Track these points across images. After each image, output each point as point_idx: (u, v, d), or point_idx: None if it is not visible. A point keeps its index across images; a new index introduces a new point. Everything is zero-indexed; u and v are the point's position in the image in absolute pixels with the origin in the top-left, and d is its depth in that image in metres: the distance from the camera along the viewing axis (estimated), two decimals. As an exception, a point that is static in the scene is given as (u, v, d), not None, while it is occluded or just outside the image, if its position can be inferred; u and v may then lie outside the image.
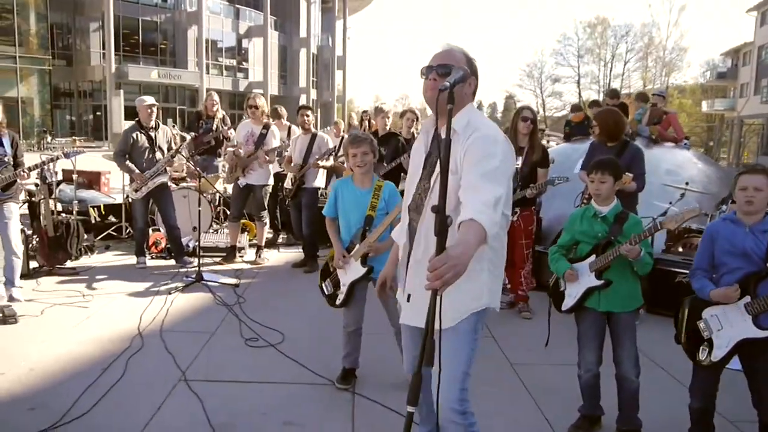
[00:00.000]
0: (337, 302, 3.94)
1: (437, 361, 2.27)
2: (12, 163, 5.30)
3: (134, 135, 6.67)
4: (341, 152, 8.33)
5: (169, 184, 6.99)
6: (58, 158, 6.00)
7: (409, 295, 2.48)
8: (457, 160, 2.26)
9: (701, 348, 3.02)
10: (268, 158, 7.01)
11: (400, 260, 2.62)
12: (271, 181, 7.38)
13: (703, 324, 3.03)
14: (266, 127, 7.13)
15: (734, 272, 2.94)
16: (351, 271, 3.82)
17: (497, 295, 2.46)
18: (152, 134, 6.74)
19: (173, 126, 8.13)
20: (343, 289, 3.88)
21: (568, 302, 3.41)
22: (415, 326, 2.51)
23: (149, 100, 6.82)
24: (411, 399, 1.82)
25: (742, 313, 2.86)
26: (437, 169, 2.28)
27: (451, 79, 2.05)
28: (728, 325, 2.93)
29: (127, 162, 6.62)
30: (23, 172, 5.24)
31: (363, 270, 3.75)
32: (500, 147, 2.26)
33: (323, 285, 4.06)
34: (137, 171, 6.60)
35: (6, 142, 5.30)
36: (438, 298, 1.80)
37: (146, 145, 6.70)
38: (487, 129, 2.30)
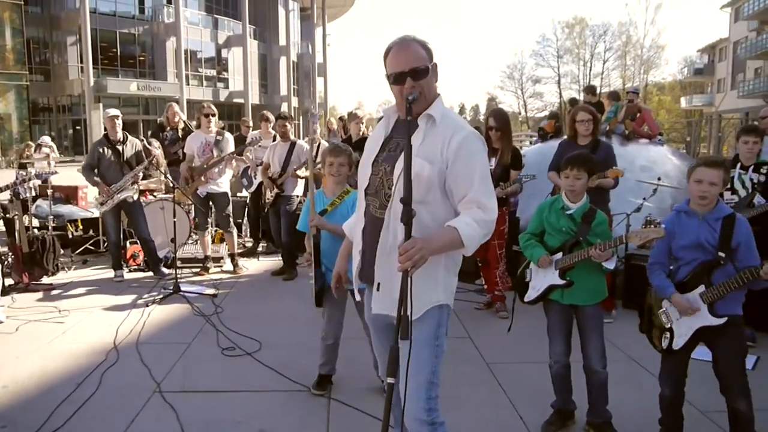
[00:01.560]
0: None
1: (403, 367, 2.28)
2: None
3: (101, 149, 6.64)
4: (319, 159, 8.34)
5: (135, 197, 6.91)
6: (30, 179, 5.96)
7: (378, 284, 2.39)
8: (442, 151, 2.26)
9: (663, 336, 3.09)
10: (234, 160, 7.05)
11: (354, 250, 2.55)
12: (227, 189, 7.35)
13: (663, 313, 3.10)
14: (220, 134, 7.13)
15: (690, 263, 3.00)
16: None
17: (452, 294, 2.45)
18: (119, 148, 6.71)
19: (142, 140, 8.11)
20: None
21: (531, 294, 3.47)
22: (386, 314, 2.39)
23: (113, 111, 6.80)
24: (390, 371, 1.92)
25: (698, 302, 2.93)
26: (402, 157, 2.23)
27: (411, 96, 2.21)
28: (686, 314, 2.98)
29: (94, 176, 6.60)
30: None
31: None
32: (484, 146, 2.37)
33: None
34: (103, 185, 6.56)
35: None
36: (409, 279, 1.97)
37: (113, 158, 6.66)
38: (467, 125, 2.36)
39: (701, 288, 2.92)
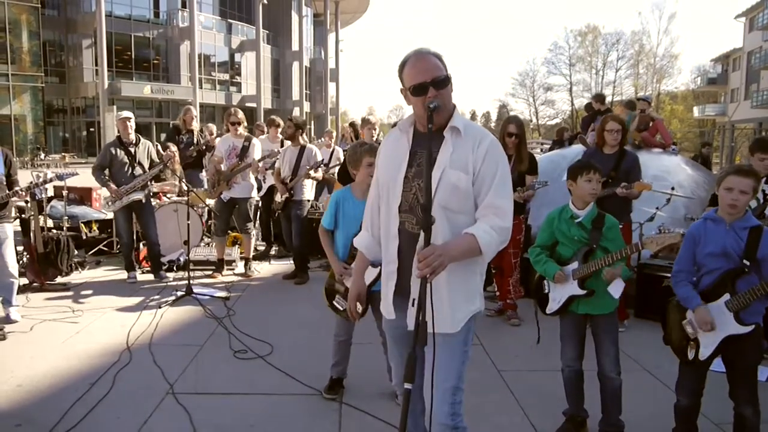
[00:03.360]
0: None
1: (428, 372, 2.27)
2: (5, 182, 5.31)
3: (113, 150, 6.70)
4: (332, 164, 8.39)
5: (144, 200, 6.95)
6: (51, 180, 6.00)
7: (414, 300, 2.30)
8: (471, 161, 2.28)
9: (688, 347, 3.06)
10: (260, 166, 7.07)
11: (386, 269, 2.49)
12: (255, 194, 7.42)
13: (688, 324, 3.07)
14: (248, 140, 7.18)
15: (713, 272, 2.98)
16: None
17: (483, 299, 2.49)
18: (132, 150, 6.77)
19: (156, 144, 8.36)
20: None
21: (553, 306, 3.45)
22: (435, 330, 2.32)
23: (125, 113, 6.86)
24: (408, 376, 1.91)
25: (724, 311, 2.91)
26: (435, 169, 2.27)
27: (433, 104, 2.21)
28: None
29: (104, 177, 6.66)
30: (21, 191, 5.29)
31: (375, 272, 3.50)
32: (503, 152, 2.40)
33: (335, 303, 3.84)
34: (112, 186, 6.62)
35: None
36: (428, 285, 1.98)
37: (125, 160, 6.72)
38: (489, 132, 2.40)
39: (726, 296, 2.90)
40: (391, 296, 2.46)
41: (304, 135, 7.11)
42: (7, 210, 5.32)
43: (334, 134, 11.16)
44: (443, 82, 2.29)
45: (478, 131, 2.36)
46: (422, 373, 2.32)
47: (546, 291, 3.49)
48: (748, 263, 2.86)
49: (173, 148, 8.20)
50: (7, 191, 5.24)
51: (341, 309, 3.82)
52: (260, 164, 7.08)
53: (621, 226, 4.95)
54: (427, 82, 2.26)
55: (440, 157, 2.29)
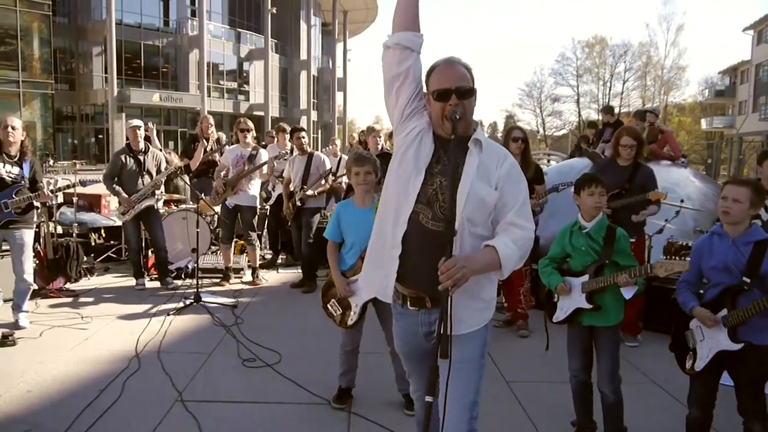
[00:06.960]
0: (350, 322, 3.83)
1: (443, 387, 2.26)
2: (28, 186, 5.37)
3: (122, 158, 6.75)
4: (339, 172, 8.41)
5: (157, 205, 6.96)
6: (75, 185, 6.05)
7: (430, 299, 2.35)
8: (494, 176, 2.28)
9: (687, 357, 3.10)
10: (265, 171, 7.12)
11: (386, 252, 2.39)
12: (257, 203, 7.44)
13: (688, 334, 3.11)
14: (255, 149, 7.22)
15: (717, 287, 2.98)
16: (362, 292, 3.76)
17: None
18: (141, 158, 6.81)
19: (169, 152, 8.42)
20: (356, 309, 3.80)
21: (559, 315, 3.49)
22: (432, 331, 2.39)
23: (136, 122, 6.91)
24: (429, 390, 1.90)
25: (720, 326, 2.91)
26: (463, 180, 2.25)
27: (457, 114, 2.19)
28: (708, 336, 2.99)
29: (115, 186, 6.69)
30: (45, 191, 5.37)
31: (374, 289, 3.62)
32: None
33: (329, 307, 3.92)
34: (124, 194, 6.66)
35: (26, 166, 5.39)
36: (449, 298, 1.98)
37: (134, 168, 6.76)
38: (508, 152, 2.41)
39: (724, 312, 2.89)
40: (393, 282, 2.38)
41: (305, 140, 7.12)
42: (28, 216, 5.36)
43: (339, 142, 11.19)
44: (467, 93, 2.28)
45: (500, 149, 2.39)
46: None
47: (555, 300, 3.51)
48: (748, 280, 2.84)
49: (176, 160, 8.23)
50: (29, 195, 5.29)
51: (334, 314, 3.89)
52: (265, 168, 7.11)
53: (634, 241, 4.96)
54: (451, 89, 2.25)
55: (467, 169, 2.26)
